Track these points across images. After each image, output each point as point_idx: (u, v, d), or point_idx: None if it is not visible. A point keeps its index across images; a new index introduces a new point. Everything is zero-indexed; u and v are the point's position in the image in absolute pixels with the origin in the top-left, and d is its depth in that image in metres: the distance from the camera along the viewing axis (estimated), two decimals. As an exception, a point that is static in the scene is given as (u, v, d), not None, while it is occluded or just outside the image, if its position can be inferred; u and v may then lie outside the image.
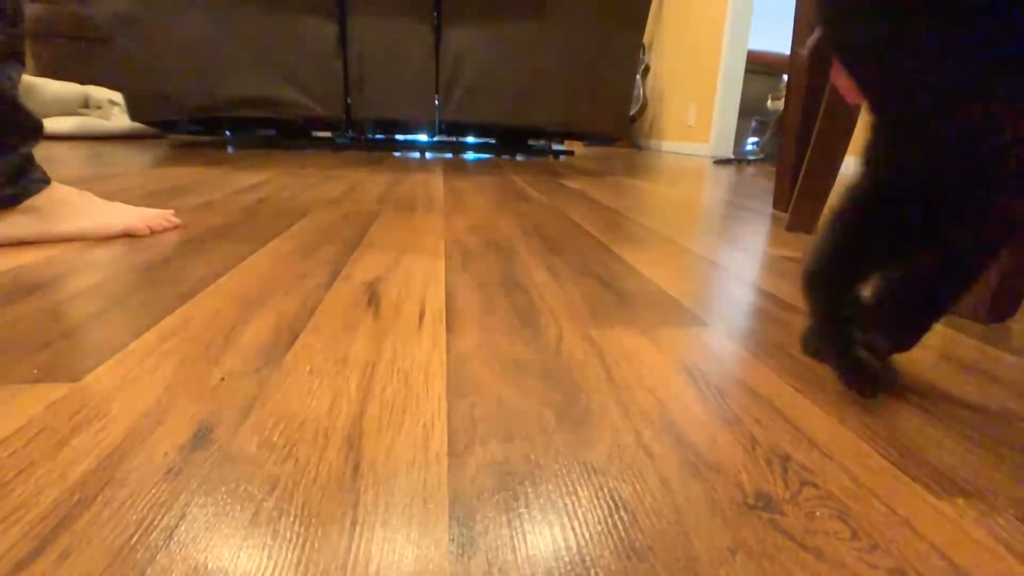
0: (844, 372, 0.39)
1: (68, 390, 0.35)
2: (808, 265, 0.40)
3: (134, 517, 0.24)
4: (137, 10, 1.95)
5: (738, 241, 0.90)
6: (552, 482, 0.28)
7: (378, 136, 2.67)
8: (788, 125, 1.24)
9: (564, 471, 0.29)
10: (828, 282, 0.40)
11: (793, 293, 0.62)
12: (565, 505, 0.26)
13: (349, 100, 2.16)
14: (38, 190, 0.68)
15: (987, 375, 0.43)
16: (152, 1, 1.95)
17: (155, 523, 0.24)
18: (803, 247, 0.87)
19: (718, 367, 0.42)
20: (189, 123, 2.27)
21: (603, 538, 0.24)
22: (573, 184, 1.55)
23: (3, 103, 0.64)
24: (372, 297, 0.54)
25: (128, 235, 0.74)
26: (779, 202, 1.25)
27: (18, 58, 0.66)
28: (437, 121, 2.27)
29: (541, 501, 0.27)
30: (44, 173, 0.69)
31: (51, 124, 2.24)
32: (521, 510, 0.26)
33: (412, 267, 0.65)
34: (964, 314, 0.56)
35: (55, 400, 0.33)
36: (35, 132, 0.68)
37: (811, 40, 0.99)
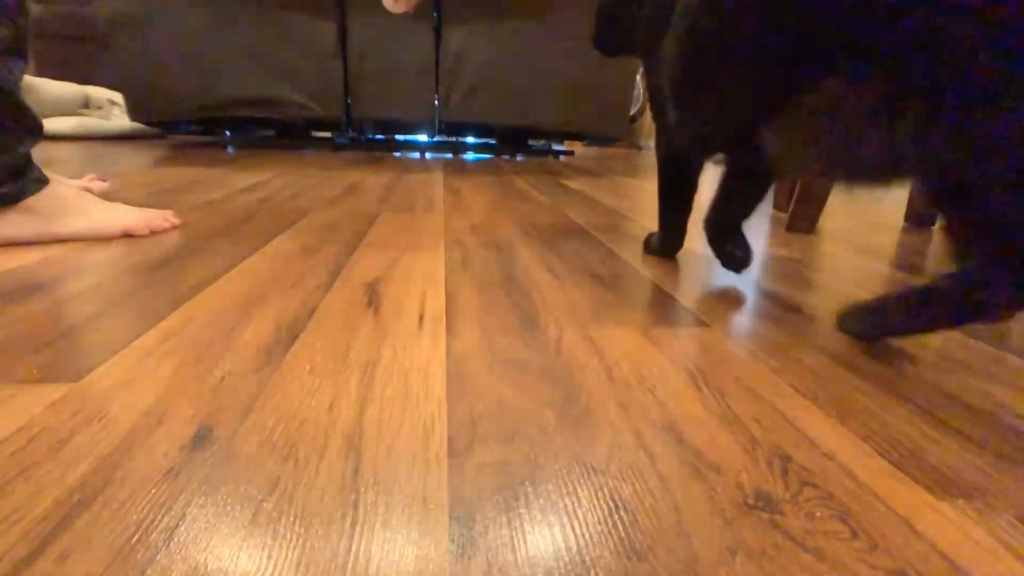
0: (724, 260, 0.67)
1: (68, 390, 0.35)
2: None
3: (134, 517, 0.24)
4: (137, 10, 1.95)
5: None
6: (552, 482, 0.28)
7: (378, 136, 2.66)
8: (788, 125, 1.24)
9: (564, 471, 0.29)
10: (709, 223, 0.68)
11: (793, 293, 0.62)
12: (565, 505, 0.26)
13: (349, 100, 2.16)
14: (36, 190, 0.68)
15: (987, 375, 0.43)
16: (152, 1, 1.95)
17: (155, 523, 0.24)
18: (804, 248, 0.87)
19: (718, 367, 0.42)
20: (189, 123, 2.27)
21: (603, 538, 0.24)
22: (573, 184, 1.55)
23: (5, 99, 0.64)
24: (372, 297, 0.54)
25: (128, 235, 0.74)
26: (779, 202, 1.25)
27: (21, 55, 0.66)
28: (437, 121, 2.27)
29: (541, 501, 0.27)
30: (42, 173, 0.69)
31: (51, 124, 2.23)
32: (521, 510, 0.26)
33: (412, 267, 0.65)
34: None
35: (55, 400, 0.33)
36: (35, 131, 0.68)
37: None
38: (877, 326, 0.48)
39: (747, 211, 0.68)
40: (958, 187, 0.37)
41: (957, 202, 0.38)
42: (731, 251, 0.67)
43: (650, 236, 0.78)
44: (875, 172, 0.43)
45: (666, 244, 0.76)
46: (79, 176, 1.06)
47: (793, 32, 0.42)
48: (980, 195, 0.36)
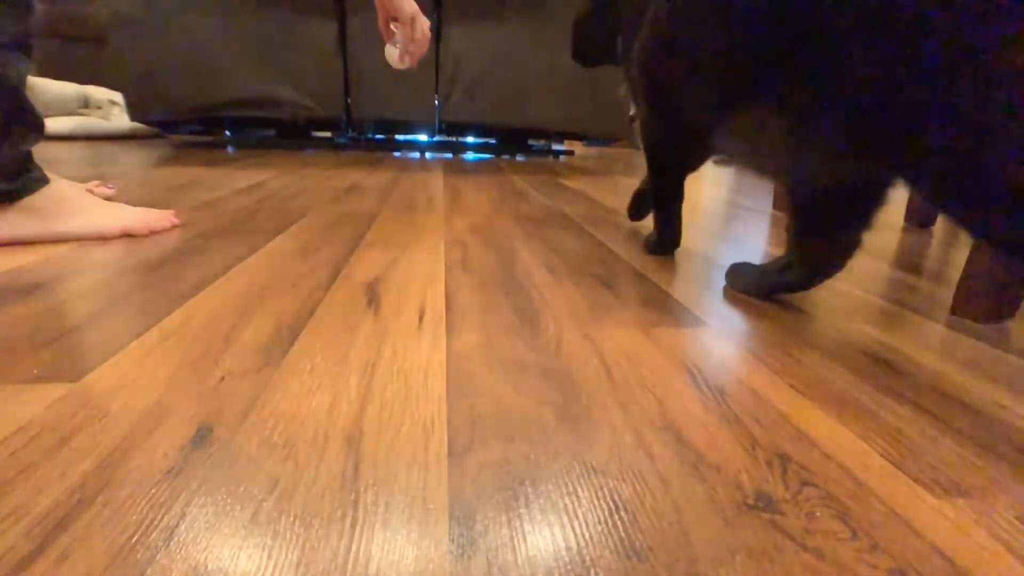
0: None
1: (68, 390, 0.35)
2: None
3: (134, 517, 0.24)
4: (137, 10, 1.95)
5: (738, 241, 0.90)
6: (552, 482, 0.28)
7: (378, 136, 2.66)
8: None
9: (564, 471, 0.29)
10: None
11: (794, 293, 0.62)
12: (565, 505, 0.26)
13: (349, 100, 2.16)
14: (37, 188, 0.68)
15: (987, 375, 0.43)
16: (152, 1, 1.95)
17: (155, 523, 0.24)
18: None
19: (718, 367, 0.42)
20: (189, 123, 2.27)
21: (603, 538, 0.24)
22: (573, 184, 1.55)
23: (9, 96, 0.64)
24: (372, 297, 0.54)
25: (128, 235, 0.74)
26: (779, 202, 1.25)
27: (26, 52, 0.65)
28: (437, 121, 2.27)
29: (541, 501, 0.27)
30: (43, 172, 0.69)
31: (51, 124, 2.23)
32: (521, 510, 0.26)
33: (412, 267, 0.65)
34: (964, 314, 0.56)
35: (55, 400, 0.33)
36: (37, 129, 0.68)
37: None
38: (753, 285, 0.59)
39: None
40: None
41: None
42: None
43: (650, 235, 0.79)
44: (794, 171, 0.51)
45: (663, 241, 0.76)
46: (78, 176, 1.06)
47: (733, 52, 0.48)
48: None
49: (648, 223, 1.00)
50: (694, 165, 0.71)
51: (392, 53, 1.06)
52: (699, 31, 0.51)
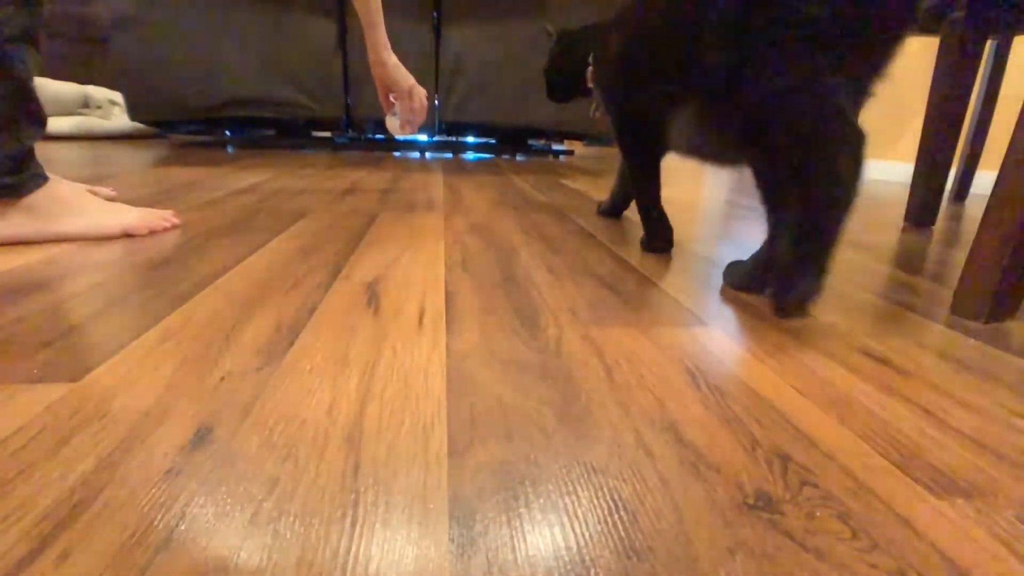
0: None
1: (68, 390, 0.35)
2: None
3: (134, 517, 0.24)
4: (137, 10, 1.95)
5: (738, 241, 0.90)
6: (552, 482, 0.28)
7: (378, 136, 2.66)
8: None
9: (564, 471, 0.29)
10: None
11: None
12: (565, 505, 0.26)
13: (349, 100, 2.16)
14: (37, 185, 0.68)
15: (987, 375, 0.43)
16: (152, 1, 1.95)
17: (155, 523, 0.24)
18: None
19: (718, 367, 0.42)
20: (189, 123, 2.27)
21: (603, 538, 0.24)
22: (573, 184, 1.55)
23: (17, 88, 0.64)
24: (372, 297, 0.54)
25: (128, 235, 0.74)
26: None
27: (34, 45, 0.65)
28: (437, 121, 2.27)
29: (541, 501, 0.27)
30: (43, 169, 0.69)
31: (51, 124, 2.22)
32: (521, 510, 0.26)
33: (412, 267, 0.65)
34: (964, 314, 0.56)
35: (55, 400, 0.33)
36: (40, 123, 0.68)
37: None
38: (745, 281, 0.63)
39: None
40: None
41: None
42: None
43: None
44: (709, 156, 0.68)
45: (654, 235, 0.80)
46: (78, 176, 1.06)
47: (667, 68, 0.64)
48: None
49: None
50: (658, 154, 0.81)
51: (392, 123, 1.11)
52: (640, 57, 0.70)
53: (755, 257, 0.62)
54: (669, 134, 0.70)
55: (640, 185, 0.82)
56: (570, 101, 1.07)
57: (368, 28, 1.01)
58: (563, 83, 1.04)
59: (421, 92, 1.09)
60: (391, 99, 1.10)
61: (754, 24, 0.50)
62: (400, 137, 1.10)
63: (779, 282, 0.52)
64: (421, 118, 1.12)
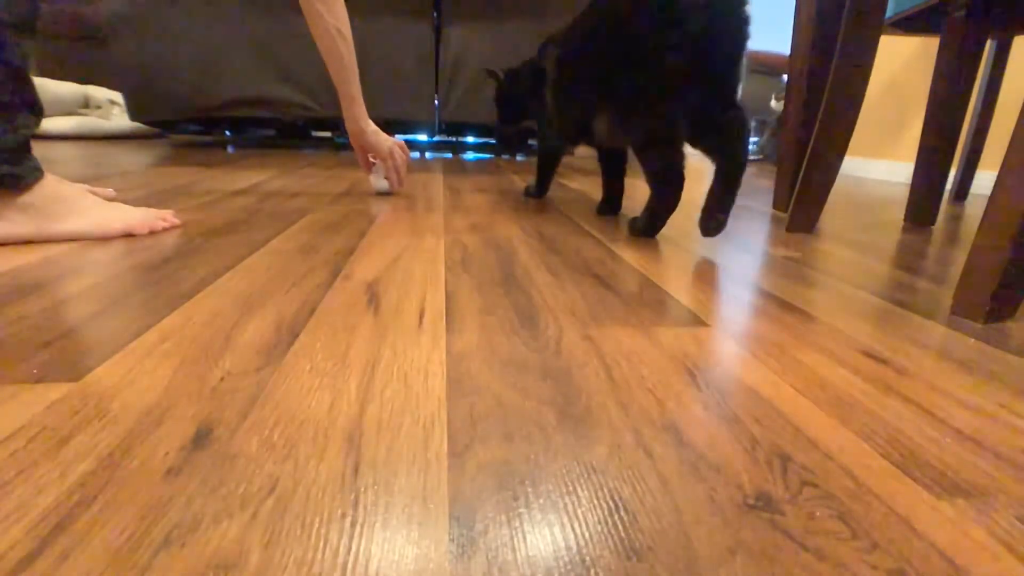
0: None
1: (68, 390, 0.35)
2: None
3: (134, 517, 0.24)
4: (137, 10, 1.95)
5: (738, 241, 0.90)
6: (552, 482, 0.28)
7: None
8: (788, 125, 1.24)
9: (564, 471, 0.29)
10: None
11: (793, 293, 0.62)
12: (565, 505, 0.26)
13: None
14: (35, 178, 0.67)
15: (987, 375, 0.43)
16: (152, 1, 1.95)
17: (155, 523, 0.24)
18: (803, 247, 0.87)
19: (718, 367, 0.42)
20: (189, 123, 2.27)
21: (603, 538, 0.25)
22: (573, 184, 1.55)
23: (15, 75, 0.64)
24: (372, 297, 0.54)
25: (127, 235, 0.74)
26: (779, 202, 1.25)
27: (29, 32, 0.65)
28: (437, 121, 2.27)
29: (541, 501, 0.27)
30: (38, 162, 0.69)
31: (51, 124, 2.23)
32: (521, 510, 0.26)
33: (412, 267, 0.65)
34: (964, 314, 0.56)
35: (55, 400, 0.33)
36: (37, 111, 0.67)
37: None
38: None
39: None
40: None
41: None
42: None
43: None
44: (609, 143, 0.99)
45: (541, 190, 1.24)
46: (78, 176, 1.06)
47: (588, 84, 0.90)
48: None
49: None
50: (576, 142, 1.06)
51: (376, 181, 1.19)
52: (567, 74, 0.95)
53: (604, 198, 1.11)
54: (595, 128, 0.94)
55: (548, 160, 1.20)
56: (518, 124, 1.29)
57: (346, 101, 1.07)
58: (510, 110, 1.26)
59: (400, 151, 1.17)
60: (371, 159, 1.18)
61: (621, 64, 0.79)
62: (384, 191, 1.17)
63: (646, 221, 0.89)
64: (403, 172, 1.19)
